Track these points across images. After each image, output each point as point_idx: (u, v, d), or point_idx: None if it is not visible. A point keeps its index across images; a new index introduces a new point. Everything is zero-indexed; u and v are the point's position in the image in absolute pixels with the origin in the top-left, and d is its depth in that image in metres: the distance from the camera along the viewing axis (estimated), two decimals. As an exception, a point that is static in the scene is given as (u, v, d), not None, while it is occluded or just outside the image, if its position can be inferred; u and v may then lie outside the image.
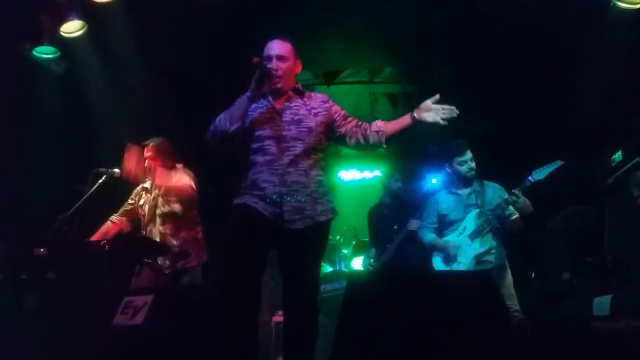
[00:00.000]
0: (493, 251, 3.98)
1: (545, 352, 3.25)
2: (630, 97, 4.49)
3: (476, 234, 3.99)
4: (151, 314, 2.77)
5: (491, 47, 5.11)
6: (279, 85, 2.90)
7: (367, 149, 3.02)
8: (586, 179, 4.56)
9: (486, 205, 4.03)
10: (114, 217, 4.03)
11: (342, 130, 2.97)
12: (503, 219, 4.02)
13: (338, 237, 6.41)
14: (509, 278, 4.02)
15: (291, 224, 2.78)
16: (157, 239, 3.90)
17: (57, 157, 4.97)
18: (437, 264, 4.13)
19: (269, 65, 2.86)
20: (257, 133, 2.88)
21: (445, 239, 4.13)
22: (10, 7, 4.35)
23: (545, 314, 4.07)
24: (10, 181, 4.57)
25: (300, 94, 3.00)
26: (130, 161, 3.83)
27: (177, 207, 3.91)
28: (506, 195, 3.98)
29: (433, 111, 2.81)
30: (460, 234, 4.07)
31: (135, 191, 4.13)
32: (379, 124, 2.94)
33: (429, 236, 4.23)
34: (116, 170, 3.96)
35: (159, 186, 3.97)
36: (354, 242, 6.37)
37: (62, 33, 4.72)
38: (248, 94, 2.84)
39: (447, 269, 4.02)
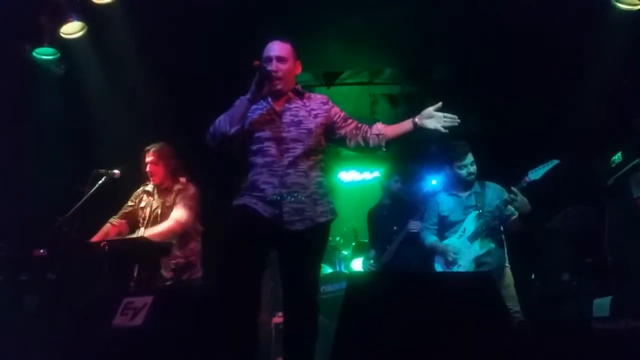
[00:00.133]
0: (492, 253, 3.98)
1: (545, 353, 3.25)
2: (630, 97, 4.49)
3: (475, 236, 3.99)
4: (151, 315, 2.76)
5: (491, 47, 5.11)
6: (278, 87, 2.91)
7: (366, 151, 3.02)
8: (586, 179, 4.55)
9: (486, 206, 4.03)
10: (113, 220, 4.02)
11: (342, 132, 2.97)
12: (503, 219, 4.02)
13: (338, 238, 6.41)
14: (508, 279, 4.02)
15: (291, 225, 2.78)
16: None
17: (57, 157, 4.97)
18: (438, 268, 4.14)
19: (268, 67, 2.86)
20: (257, 134, 2.88)
21: (446, 241, 4.13)
22: (10, 7, 4.35)
23: (545, 314, 4.06)
24: (10, 181, 4.57)
25: (299, 95, 3.00)
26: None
27: (182, 217, 3.87)
28: (506, 196, 3.98)
29: (434, 118, 2.82)
30: (461, 236, 4.08)
31: (135, 193, 4.11)
32: (379, 127, 2.94)
33: (430, 238, 4.23)
34: (116, 171, 3.95)
35: (165, 193, 3.98)
36: (353, 244, 6.37)
37: (62, 34, 4.72)
38: (248, 96, 2.84)
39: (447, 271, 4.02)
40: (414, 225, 4.55)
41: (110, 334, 2.81)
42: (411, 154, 5.87)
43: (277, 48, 2.94)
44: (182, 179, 4.04)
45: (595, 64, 4.78)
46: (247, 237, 2.78)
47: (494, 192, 4.10)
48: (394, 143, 2.94)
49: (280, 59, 2.92)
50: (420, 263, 4.61)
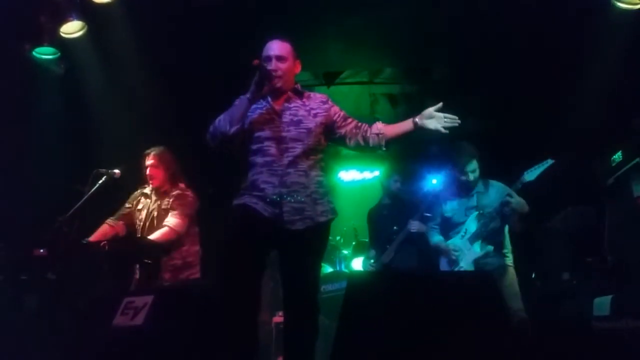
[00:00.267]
0: (490, 255, 3.98)
1: (545, 352, 3.25)
2: (630, 97, 4.49)
3: (475, 237, 4.00)
4: (151, 315, 2.76)
5: (491, 47, 5.11)
6: (278, 85, 2.90)
7: (366, 151, 3.02)
8: (586, 179, 4.56)
9: (487, 207, 4.03)
10: (111, 221, 4.01)
11: (342, 131, 2.97)
12: (506, 219, 4.02)
13: (338, 238, 6.40)
14: (509, 278, 4.02)
15: (291, 224, 2.78)
16: None
17: (57, 157, 4.97)
18: (443, 267, 4.15)
19: (268, 67, 2.86)
20: (257, 134, 2.88)
21: (450, 241, 4.15)
22: (10, 7, 4.35)
23: (545, 314, 4.06)
24: (10, 181, 4.57)
25: (299, 94, 3.00)
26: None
27: (177, 224, 3.87)
28: (506, 196, 3.98)
29: (435, 119, 2.82)
30: (463, 236, 4.08)
31: (132, 195, 4.11)
32: (379, 127, 2.94)
33: (435, 238, 4.26)
34: (116, 171, 3.95)
35: (163, 195, 3.99)
36: (354, 243, 6.37)
37: (62, 34, 4.72)
38: (248, 95, 2.84)
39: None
40: (413, 226, 4.55)
41: (110, 334, 2.81)
42: (411, 153, 5.87)
43: (276, 47, 2.94)
44: (182, 185, 4.04)
45: (595, 64, 4.78)
46: (247, 237, 2.78)
47: (497, 192, 4.09)
48: (393, 143, 2.94)
49: (279, 58, 2.91)
50: (421, 263, 4.62)
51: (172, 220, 3.86)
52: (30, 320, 3.26)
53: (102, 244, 3.54)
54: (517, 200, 3.88)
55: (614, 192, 4.14)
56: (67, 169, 4.71)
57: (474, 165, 4.07)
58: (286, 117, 2.90)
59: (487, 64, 5.27)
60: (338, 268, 6.00)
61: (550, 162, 3.87)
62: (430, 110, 2.84)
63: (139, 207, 4.04)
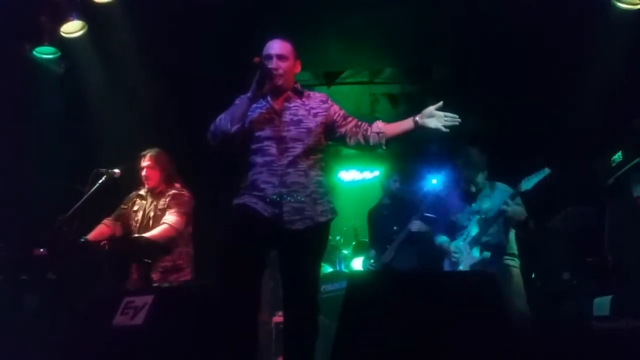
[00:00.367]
0: (486, 262, 3.98)
1: (545, 352, 3.26)
2: (630, 97, 4.49)
3: (474, 242, 4.01)
4: (151, 315, 2.76)
5: (491, 47, 5.11)
6: (279, 84, 2.90)
7: (366, 150, 3.02)
8: (586, 179, 4.55)
9: (490, 210, 4.02)
10: (107, 221, 4.03)
11: (342, 130, 2.97)
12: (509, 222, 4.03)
13: (338, 238, 6.40)
14: (515, 279, 4.02)
15: (291, 224, 2.78)
16: None
17: (57, 157, 4.97)
18: (446, 268, 4.18)
19: (269, 65, 2.86)
20: (257, 134, 2.88)
21: (454, 242, 4.15)
22: (10, 7, 4.35)
23: (545, 314, 4.06)
24: (10, 181, 4.57)
25: (299, 94, 3.00)
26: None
27: (175, 222, 3.89)
28: (517, 200, 3.99)
29: (436, 118, 2.82)
30: (465, 240, 4.09)
31: (128, 197, 4.13)
32: (379, 125, 2.95)
33: (440, 238, 4.27)
34: (116, 170, 3.96)
35: (159, 196, 4.00)
36: (354, 243, 6.36)
37: (62, 33, 4.72)
38: (249, 94, 2.84)
39: None
40: (415, 225, 4.55)
41: (110, 334, 2.80)
42: (411, 153, 5.87)
43: (277, 46, 2.94)
44: (177, 185, 4.06)
45: (595, 64, 4.78)
46: (247, 237, 2.78)
47: (500, 195, 4.07)
48: (394, 141, 2.94)
49: (280, 57, 2.91)
50: (421, 263, 4.62)
51: (171, 217, 3.87)
52: (30, 320, 3.26)
53: (102, 243, 3.54)
54: (512, 209, 3.89)
55: (614, 192, 4.14)
56: (67, 169, 4.71)
57: (481, 177, 4.06)
58: (286, 117, 2.90)
59: (487, 63, 5.28)
60: (338, 268, 6.00)
61: (547, 171, 3.86)
62: (431, 109, 2.84)
63: (135, 208, 4.06)
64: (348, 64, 6.07)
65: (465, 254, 4.03)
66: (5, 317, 3.29)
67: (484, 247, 4.00)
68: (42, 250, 3.47)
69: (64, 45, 4.83)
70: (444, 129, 2.81)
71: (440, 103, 2.84)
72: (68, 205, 3.79)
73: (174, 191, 4.01)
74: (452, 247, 4.13)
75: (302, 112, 2.93)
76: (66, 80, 5.09)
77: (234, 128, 2.81)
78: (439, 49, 5.44)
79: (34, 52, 4.78)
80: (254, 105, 2.92)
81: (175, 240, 3.91)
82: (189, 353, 2.66)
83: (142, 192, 4.08)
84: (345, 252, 6.30)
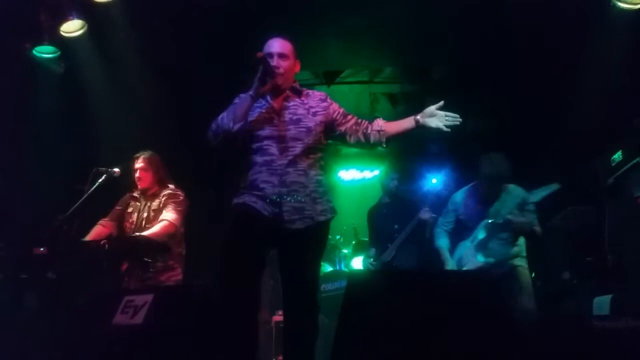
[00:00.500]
0: (491, 264, 3.97)
1: (545, 351, 3.25)
2: (630, 97, 4.49)
3: (480, 247, 3.99)
4: (151, 314, 2.76)
5: (491, 47, 5.11)
6: (279, 82, 2.90)
7: (366, 148, 3.03)
8: (586, 179, 4.55)
9: (499, 216, 4.01)
10: (104, 221, 4.05)
11: (342, 128, 2.97)
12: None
13: (338, 237, 6.41)
14: (524, 279, 4.02)
15: (291, 224, 2.78)
16: None
17: (57, 156, 4.97)
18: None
19: (271, 63, 2.86)
20: (256, 133, 2.87)
21: (461, 244, 4.15)
22: (10, 7, 4.35)
23: (545, 313, 4.07)
24: (10, 181, 4.57)
25: (298, 93, 3.00)
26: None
27: (174, 219, 3.91)
28: (529, 205, 3.99)
29: (436, 117, 2.83)
30: (472, 242, 4.08)
31: (122, 199, 4.15)
32: (380, 123, 2.95)
33: (440, 241, 4.26)
34: (116, 169, 3.98)
35: (152, 197, 4.03)
36: (354, 242, 6.37)
37: (62, 33, 4.72)
38: (251, 92, 2.83)
39: None
40: (426, 213, 4.53)
41: (110, 332, 2.80)
42: (411, 152, 5.87)
43: (278, 45, 2.94)
44: (171, 186, 4.11)
45: (595, 64, 4.78)
46: (247, 236, 2.78)
47: (512, 200, 4.05)
48: (394, 140, 2.94)
49: (281, 56, 2.91)
50: (422, 262, 4.62)
51: (169, 214, 3.91)
52: (30, 319, 3.26)
53: (101, 242, 3.54)
54: (517, 221, 3.88)
55: (614, 191, 4.14)
56: (67, 168, 4.71)
57: (502, 190, 4.03)
58: (285, 116, 2.90)
59: (487, 63, 5.28)
60: (338, 267, 6.00)
61: (556, 187, 3.85)
62: (432, 108, 2.85)
63: (129, 210, 4.09)
64: (348, 63, 6.08)
65: (470, 257, 4.02)
66: (5, 316, 3.29)
67: (489, 252, 3.98)
68: (42, 249, 3.48)
69: (63, 44, 4.83)
70: (444, 129, 2.81)
71: (441, 103, 2.85)
72: (68, 204, 3.80)
73: (169, 191, 4.06)
74: (459, 247, 4.11)
75: (301, 111, 2.92)
76: (66, 80, 5.09)
77: (236, 127, 2.80)
78: (439, 48, 5.44)
79: (34, 52, 4.78)
80: (254, 105, 2.92)
81: (172, 238, 3.92)
82: (188, 352, 2.66)
83: (136, 194, 4.13)
84: (345, 251, 6.31)
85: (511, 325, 2.60)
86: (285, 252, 2.87)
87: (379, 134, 2.92)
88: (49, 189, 4.76)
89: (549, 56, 4.93)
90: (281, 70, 2.88)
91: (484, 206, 4.13)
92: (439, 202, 4.54)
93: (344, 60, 5.93)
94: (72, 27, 4.74)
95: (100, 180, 3.91)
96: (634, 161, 3.94)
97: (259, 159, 2.85)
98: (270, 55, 2.90)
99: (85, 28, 4.77)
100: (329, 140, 3.04)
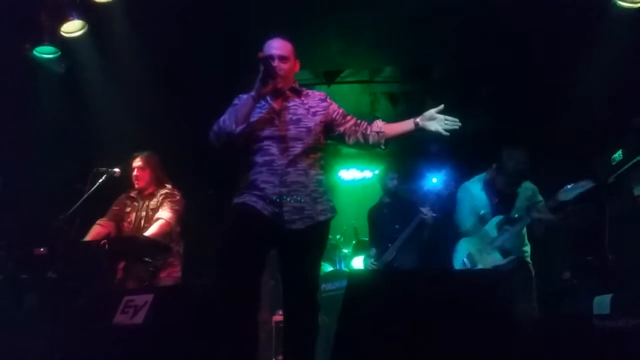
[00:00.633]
0: (513, 261, 3.96)
1: (545, 351, 3.25)
2: (630, 97, 4.49)
3: (497, 243, 3.96)
4: (151, 314, 2.76)
5: (491, 47, 5.11)
6: (279, 85, 2.90)
7: (365, 148, 3.03)
8: (586, 178, 4.55)
9: (513, 211, 4.01)
10: (102, 221, 4.07)
11: (341, 129, 2.98)
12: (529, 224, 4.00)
13: (338, 237, 6.41)
14: (530, 274, 4.02)
15: (291, 223, 2.78)
16: None
17: (57, 156, 4.97)
18: (458, 266, 4.14)
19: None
20: (257, 133, 2.87)
21: (467, 240, 4.15)
22: (10, 7, 4.35)
23: (545, 312, 4.06)
24: (10, 181, 4.57)
25: (297, 93, 2.99)
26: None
27: (170, 217, 3.94)
28: (538, 198, 3.97)
29: (436, 121, 2.83)
30: (482, 238, 4.05)
31: (118, 199, 4.17)
32: (379, 125, 2.95)
33: (468, 224, 4.14)
34: (116, 169, 4.00)
35: (149, 197, 4.06)
36: (354, 242, 6.37)
37: (62, 33, 4.73)
38: (252, 93, 2.82)
39: None
40: (426, 211, 4.52)
41: (110, 332, 2.81)
42: (410, 151, 5.87)
43: (278, 46, 2.93)
44: (168, 185, 4.15)
45: (595, 64, 4.78)
46: (247, 236, 2.78)
47: (524, 194, 4.03)
48: (393, 141, 2.95)
49: (282, 58, 2.91)
50: (422, 262, 4.62)
51: (164, 213, 3.96)
52: (30, 319, 3.26)
53: (102, 242, 3.55)
54: (548, 218, 3.82)
55: (615, 191, 4.14)
56: (67, 168, 4.71)
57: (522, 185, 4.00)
58: (285, 116, 2.90)
59: (487, 63, 5.28)
60: (338, 267, 6.00)
61: (590, 184, 3.76)
62: (432, 111, 2.85)
63: (127, 209, 4.12)
64: (348, 63, 6.08)
65: (484, 253, 3.98)
66: (5, 316, 3.29)
67: (507, 249, 3.96)
68: (42, 249, 3.48)
69: (64, 44, 4.84)
70: (444, 133, 2.82)
71: (441, 106, 2.85)
72: (68, 204, 3.80)
73: (166, 191, 4.10)
74: (464, 243, 4.08)
75: (301, 111, 2.92)
76: (66, 80, 5.10)
77: (239, 129, 2.79)
78: (439, 47, 5.44)
79: (34, 52, 4.78)
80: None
81: (169, 237, 3.95)
82: (189, 352, 2.66)
83: (133, 194, 4.15)
84: (345, 251, 6.31)
85: (511, 325, 2.59)
86: (285, 252, 2.87)
87: (377, 136, 2.93)
88: (49, 189, 4.76)
89: (549, 55, 4.94)
90: (281, 73, 2.88)
91: (499, 200, 4.10)
92: (439, 202, 4.54)
93: (344, 59, 5.93)
94: (73, 28, 4.74)
95: (100, 181, 3.92)
96: (635, 160, 3.93)
97: (259, 159, 2.85)
98: (271, 57, 2.89)
99: (85, 28, 4.77)
100: (328, 141, 3.04)
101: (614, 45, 4.63)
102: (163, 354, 2.66)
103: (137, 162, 4.09)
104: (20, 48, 4.72)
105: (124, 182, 4.11)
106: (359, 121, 3.00)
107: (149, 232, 3.85)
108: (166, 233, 3.92)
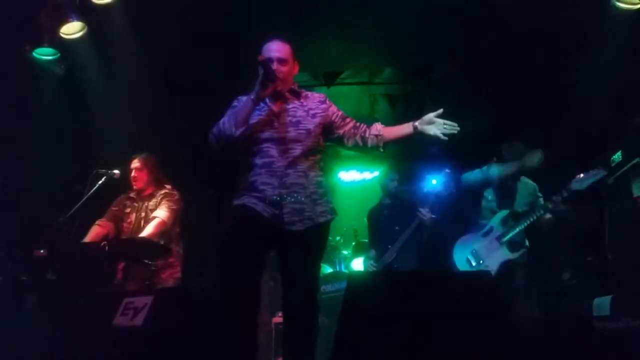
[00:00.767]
0: (520, 255, 3.96)
1: (545, 352, 3.25)
2: (630, 97, 4.49)
3: (504, 238, 3.95)
4: (151, 315, 2.76)
5: (491, 47, 5.11)
6: (278, 88, 2.90)
7: (364, 151, 3.04)
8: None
9: (515, 206, 4.01)
10: (101, 222, 4.07)
11: (340, 131, 2.98)
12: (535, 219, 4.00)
13: (338, 238, 6.40)
14: (527, 274, 4.03)
15: (291, 225, 2.78)
16: None
17: (57, 157, 4.97)
18: (462, 264, 4.12)
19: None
20: (256, 136, 2.87)
21: (469, 238, 4.14)
22: (10, 8, 4.35)
23: (545, 312, 4.07)
24: (10, 181, 4.57)
25: (296, 94, 2.99)
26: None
27: (166, 216, 3.94)
28: (539, 194, 3.99)
29: (435, 125, 2.84)
30: (487, 234, 4.03)
31: (117, 200, 4.17)
32: (378, 128, 2.95)
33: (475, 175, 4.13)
34: (116, 171, 4.00)
35: (149, 198, 4.06)
36: (353, 243, 6.37)
37: (62, 34, 4.72)
38: (252, 97, 2.81)
39: (471, 270, 4.00)
40: (424, 213, 4.52)
41: (110, 334, 2.80)
42: (410, 153, 5.86)
43: (277, 48, 2.92)
44: (167, 186, 4.15)
45: (595, 64, 4.78)
46: (247, 237, 2.78)
47: (526, 190, 4.06)
48: (391, 144, 2.96)
49: (280, 61, 2.91)
50: (422, 263, 4.61)
51: (160, 212, 3.97)
52: (30, 320, 3.26)
53: (102, 244, 3.55)
54: (560, 210, 3.85)
55: (614, 191, 4.14)
56: (67, 169, 4.71)
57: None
58: (285, 119, 2.90)
59: (487, 63, 5.28)
60: (338, 268, 6.00)
61: (602, 173, 3.78)
62: (430, 116, 2.86)
63: (127, 210, 4.12)
64: (347, 64, 6.07)
65: (491, 250, 3.97)
66: (5, 317, 3.29)
67: (514, 244, 3.96)
68: (42, 251, 3.48)
69: (63, 46, 4.84)
70: (442, 137, 2.83)
71: (440, 110, 2.86)
72: (68, 205, 3.80)
73: (165, 191, 4.11)
74: (465, 241, 4.09)
75: (300, 113, 2.92)
76: (66, 81, 5.10)
77: (238, 132, 2.79)
78: (439, 48, 5.44)
79: (34, 53, 4.78)
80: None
81: (165, 238, 3.95)
82: (188, 354, 2.66)
83: (132, 194, 4.16)
84: (345, 252, 6.30)
85: (511, 325, 2.60)
86: (285, 254, 2.87)
87: (376, 139, 2.93)
88: (49, 189, 4.76)
89: (549, 55, 4.94)
90: (280, 76, 2.87)
91: (502, 194, 4.10)
92: (439, 203, 4.54)
93: (344, 61, 5.93)
94: (72, 29, 4.74)
95: (100, 182, 3.92)
96: (634, 161, 3.94)
97: (258, 160, 2.85)
98: (270, 60, 2.88)
99: (85, 30, 4.77)
100: (327, 143, 3.04)
101: (613, 46, 4.63)
102: (163, 355, 2.65)
103: (135, 164, 4.11)
104: (20, 49, 4.72)
105: (124, 184, 4.12)
106: (358, 124, 3.00)
107: (145, 233, 3.85)
108: (163, 232, 3.91)
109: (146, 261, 3.73)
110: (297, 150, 2.84)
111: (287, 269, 2.86)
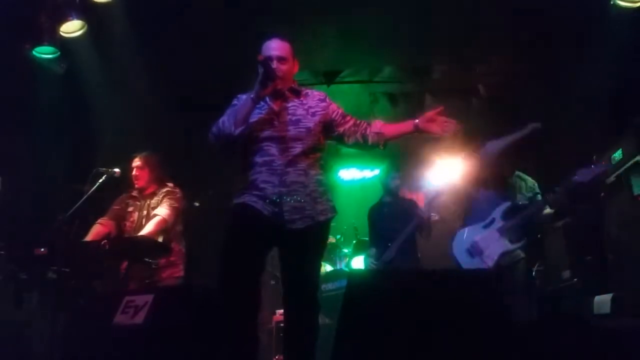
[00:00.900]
0: (519, 247, 3.97)
1: (545, 352, 3.25)
2: (630, 97, 4.49)
3: (507, 231, 3.95)
4: (152, 314, 2.76)
5: (490, 47, 5.11)
6: (278, 87, 2.89)
7: (364, 149, 3.03)
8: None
9: (517, 199, 4.04)
10: (102, 220, 4.07)
11: (341, 129, 2.97)
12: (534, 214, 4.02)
13: (338, 236, 6.40)
14: (523, 271, 4.04)
15: (291, 223, 2.78)
16: None
17: (57, 157, 4.98)
18: (461, 257, 4.11)
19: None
20: (256, 134, 2.86)
21: (469, 229, 4.15)
22: (10, 7, 4.35)
23: (545, 312, 4.07)
24: (11, 181, 4.57)
25: (296, 93, 2.99)
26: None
27: (167, 214, 3.94)
28: (538, 191, 4.01)
29: (435, 122, 2.83)
30: (488, 225, 4.04)
31: (119, 198, 4.17)
32: (379, 125, 2.95)
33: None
34: (116, 170, 3.99)
35: (151, 196, 4.06)
36: (354, 242, 6.37)
37: (62, 33, 4.73)
38: (252, 95, 2.81)
39: (471, 261, 4.00)
40: (425, 212, 4.52)
41: (110, 333, 2.80)
42: (412, 151, 5.86)
43: (277, 47, 2.92)
44: (170, 184, 4.15)
45: (595, 63, 4.78)
46: (247, 236, 2.78)
47: (526, 186, 4.10)
48: (392, 141, 2.96)
49: (280, 59, 2.90)
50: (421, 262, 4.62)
51: (161, 210, 3.95)
52: (30, 319, 3.26)
53: (102, 243, 3.55)
54: (558, 200, 3.85)
55: (615, 190, 4.14)
56: (68, 168, 4.71)
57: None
58: (285, 117, 2.89)
59: (487, 63, 5.28)
60: (338, 267, 6.00)
61: (605, 167, 3.85)
62: (431, 113, 2.86)
63: (129, 209, 4.11)
64: (347, 62, 6.08)
65: (491, 241, 3.97)
66: (5, 317, 3.29)
67: (514, 236, 3.97)
68: (42, 249, 3.48)
69: (63, 45, 4.83)
70: (443, 134, 2.82)
71: (441, 108, 2.86)
72: (68, 204, 3.80)
73: (167, 189, 4.10)
74: (464, 233, 4.11)
75: (300, 111, 2.92)
76: (66, 80, 5.10)
77: (238, 131, 2.79)
78: (439, 48, 5.44)
79: (34, 52, 4.78)
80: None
81: (166, 236, 3.95)
82: (189, 352, 2.66)
83: (134, 193, 4.15)
84: (345, 250, 6.30)
85: (511, 325, 2.59)
86: (285, 252, 2.87)
87: (377, 136, 2.93)
88: (49, 189, 4.76)
89: (549, 55, 4.94)
90: (280, 75, 2.87)
91: (504, 188, 4.13)
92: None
93: (344, 59, 5.93)
94: (72, 28, 4.74)
95: (100, 181, 3.92)
96: (634, 160, 3.94)
97: (259, 159, 2.85)
98: (270, 58, 2.88)
99: (85, 28, 4.77)
100: (327, 141, 3.03)
101: (613, 45, 4.63)
102: (163, 354, 2.65)
103: (136, 162, 4.10)
104: (20, 48, 4.72)
105: (124, 183, 4.12)
106: (358, 121, 3.00)
107: (145, 230, 3.84)
108: (163, 230, 3.90)
109: (146, 259, 3.72)
110: (297, 148, 2.83)
111: (287, 267, 2.86)
